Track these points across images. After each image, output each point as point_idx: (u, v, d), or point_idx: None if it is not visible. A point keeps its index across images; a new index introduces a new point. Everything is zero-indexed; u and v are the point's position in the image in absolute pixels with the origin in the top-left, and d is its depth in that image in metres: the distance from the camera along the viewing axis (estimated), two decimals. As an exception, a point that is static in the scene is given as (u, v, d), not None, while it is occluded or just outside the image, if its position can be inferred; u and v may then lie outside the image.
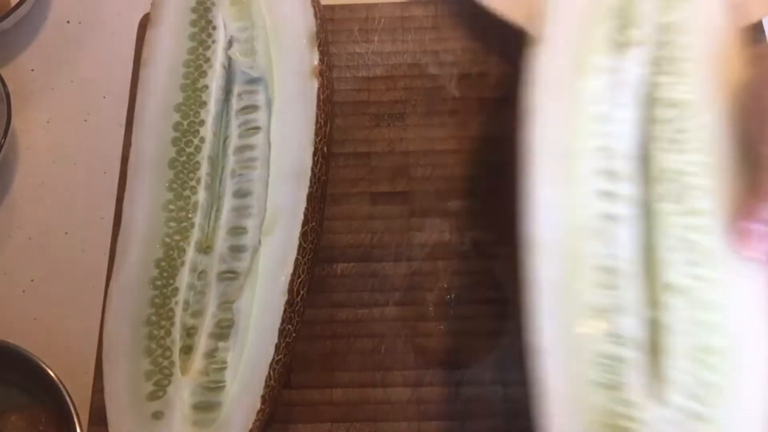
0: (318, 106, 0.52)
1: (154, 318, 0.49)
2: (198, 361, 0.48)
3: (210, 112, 0.53)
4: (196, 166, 0.52)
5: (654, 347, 0.42)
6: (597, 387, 0.42)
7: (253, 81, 0.55)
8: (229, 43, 0.55)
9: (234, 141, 0.54)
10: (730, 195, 0.43)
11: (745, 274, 0.42)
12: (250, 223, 0.51)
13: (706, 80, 0.45)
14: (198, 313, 0.50)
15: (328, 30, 0.62)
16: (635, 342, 0.43)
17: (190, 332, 0.50)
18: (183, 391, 0.47)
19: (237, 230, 0.52)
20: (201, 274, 0.51)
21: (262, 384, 0.47)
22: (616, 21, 0.47)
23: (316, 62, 0.53)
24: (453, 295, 0.56)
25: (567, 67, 0.46)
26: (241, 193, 0.52)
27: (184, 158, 0.53)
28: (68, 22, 0.71)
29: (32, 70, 0.69)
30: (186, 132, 0.53)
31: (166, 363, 0.48)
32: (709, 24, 0.47)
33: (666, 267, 0.43)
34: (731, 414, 0.40)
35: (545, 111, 0.45)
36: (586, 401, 0.41)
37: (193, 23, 0.55)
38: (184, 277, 0.50)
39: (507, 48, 0.62)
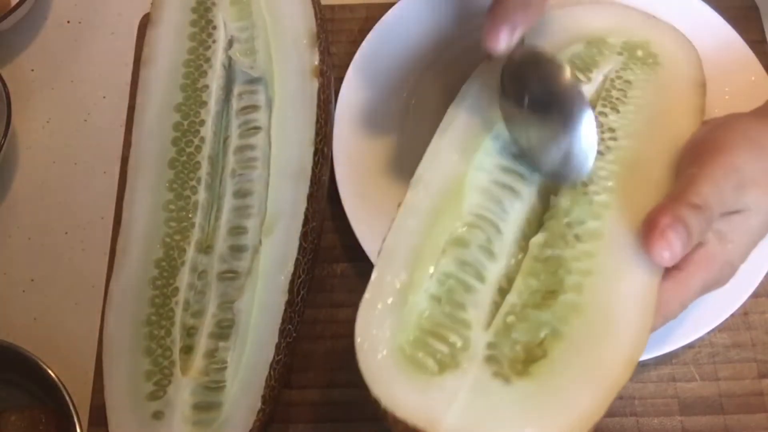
0: (318, 106, 0.52)
1: (154, 318, 0.49)
2: (198, 361, 0.48)
3: (210, 112, 0.54)
4: (197, 166, 0.52)
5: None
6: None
7: (253, 81, 0.55)
8: (230, 43, 0.55)
9: (234, 141, 0.54)
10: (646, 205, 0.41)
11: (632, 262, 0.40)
12: (251, 223, 0.51)
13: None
14: (198, 313, 0.50)
15: (328, 30, 0.62)
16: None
17: (190, 332, 0.50)
18: (183, 391, 0.47)
19: (237, 230, 0.52)
20: (201, 274, 0.51)
21: (263, 384, 0.47)
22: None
23: (316, 62, 0.53)
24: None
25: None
26: (241, 193, 0.52)
27: (185, 158, 0.53)
28: (68, 22, 0.71)
29: (32, 70, 0.69)
30: (186, 132, 0.53)
31: (166, 363, 0.48)
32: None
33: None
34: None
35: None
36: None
37: (194, 23, 0.55)
38: (184, 277, 0.50)
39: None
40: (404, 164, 0.59)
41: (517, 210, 0.45)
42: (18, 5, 0.66)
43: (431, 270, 0.42)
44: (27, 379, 0.54)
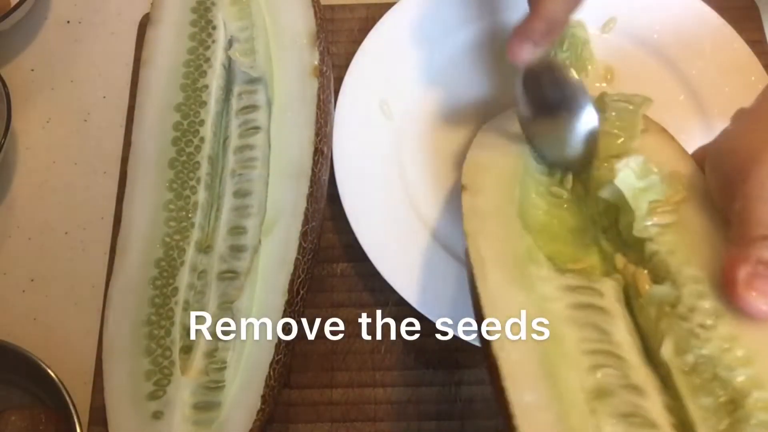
0: (318, 106, 0.52)
1: (154, 318, 0.49)
2: (198, 360, 0.48)
3: (210, 112, 0.54)
4: (196, 165, 0.52)
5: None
6: None
7: (253, 81, 0.55)
8: (229, 43, 0.55)
9: (234, 141, 0.54)
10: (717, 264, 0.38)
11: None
12: (250, 223, 0.51)
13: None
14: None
15: (328, 30, 0.62)
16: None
17: (190, 332, 0.49)
18: (183, 391, 0.47)
19: (237, 230, 0.52)
20: (201, 273, 0.51)
21: (262, 384, 0.47)
22: None
23: (316, 62, 0.53)
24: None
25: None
26: (241, 193, 0.52)
27: (184, 158, 0.53)
28: (68, 22, 0.71)
29: (32, 70, 0.69)
30: (186, 132, 0.53)
31: (166, 363, 0.48)
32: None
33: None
34: None
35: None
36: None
37: (193, 23, 0.55)
38: (184, 277, 0.50)
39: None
40: (404, 164, 0.59)
41: (617, 326, 0.39)
42: (18, 5, 0.66)
43: None
44: (27, 379, 0.54)
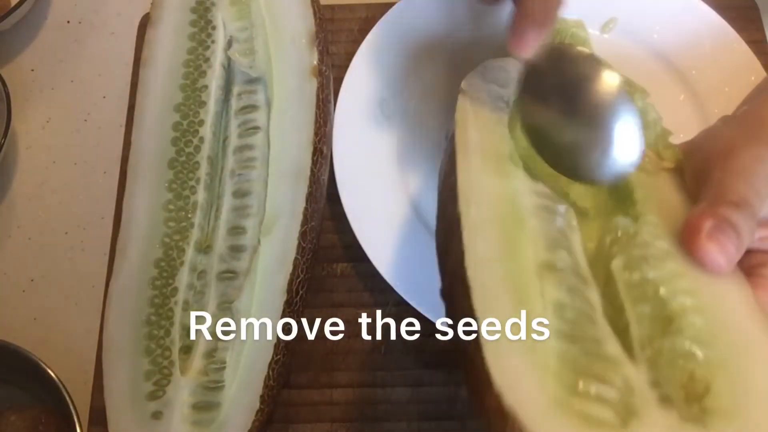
0: (317, 106, 0.52)
1: (153, 318, 0.49)
2: (197, 360, 0.48)
3: (209, 112, 0.54)
4: (196, 166, 0.52)
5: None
6: None
7: (252, 81, 0.55)
8: (229, 43, 0.55)
9: (233, 141, 0.54)
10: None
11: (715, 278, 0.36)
12: (250, 223, 0.51)
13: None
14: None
15: (328, 30, 0.62)
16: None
17: (189, 332, 0.49)
18: (182, 391, 0.47)
19: (236, 230, 0.52)
20: (200, 273, 0.51)
21: (262, 384, 0.47)
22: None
23: (315, 62, 0.53)
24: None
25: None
26: (240, 193, 0.52)
27: (184, 158, 0.53)
28: (68, 22, 0.71)
29: (32, 70, 0.69)
30: (186, 132, 0.53)
31: (165, 363, 0.48)
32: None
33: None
34: None
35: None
36: None
37: (193, 23, 0.55)
38: (184, 277, 0.50)
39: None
40: (404, 164, 0.59)
41: (574, 236, 0.40)
42: (18, 5, 0.66)
43: (540, 302, 0.35)
44: (27, 379, 0.54)
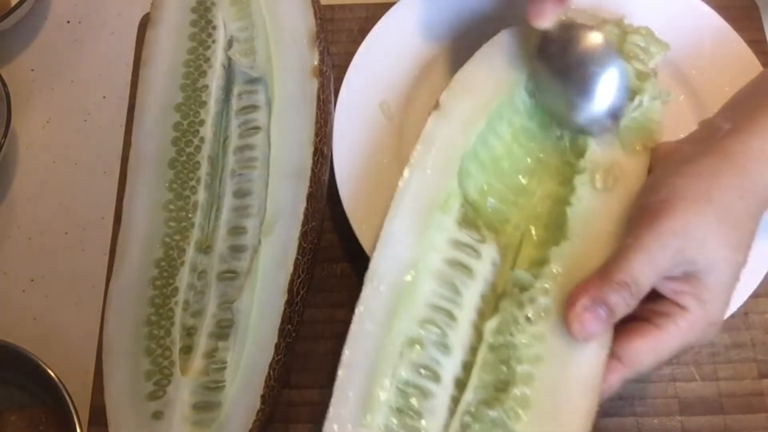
0: (318, 106, 0.52)
1: (154, 318, 0.49)
2: (198, 360, 0.48)
3: (210, 112, 0.54)
4: (196, 166, 0.52)
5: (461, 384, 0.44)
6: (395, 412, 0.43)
7: (253, 81, 0.55)
8: (229, 43, 0.55)
9: (234, 141, 0.54)
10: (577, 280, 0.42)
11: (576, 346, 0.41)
12: (250, 223, 0.51)
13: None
14: (198, 313, 0.50)
15: (328, 30, 0.62)
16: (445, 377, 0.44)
17: (190, 332, 0.50)
18: (183, 391, 0.47)
19: (237, 230, 0.52)
20: (201, 274, 0.51)
21: (262, 384, 0.47)
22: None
23: (316, 62, 0.53)
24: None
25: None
26: (241, 193, 0.52)
27: (184, 158, 0.53)
28: (68, 22, 0.71)
29: (32, 70, 0.69)
30: (186, 132, 0.53)
31: (166, 363, 0.48)
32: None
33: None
34: None
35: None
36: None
37: (193, 23, 0.55)
38: (184, 277, 0.50)
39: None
40: (404, 164, 0.59)
41: (472, 290, 0.46)
42: (18, 5, 0.66)
43: (388, 381, 0.43)
44: (27, 379, 0.54)
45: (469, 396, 0.43)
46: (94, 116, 0.67)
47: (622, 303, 0.39)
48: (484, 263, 0.47)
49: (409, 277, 0.45)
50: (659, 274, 0.40)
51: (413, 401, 0.43)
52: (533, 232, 0.48)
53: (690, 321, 0.40)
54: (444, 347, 0.44)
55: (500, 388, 0.42)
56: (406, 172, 0.48)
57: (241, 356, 0.48)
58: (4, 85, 0.62)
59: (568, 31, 0.48)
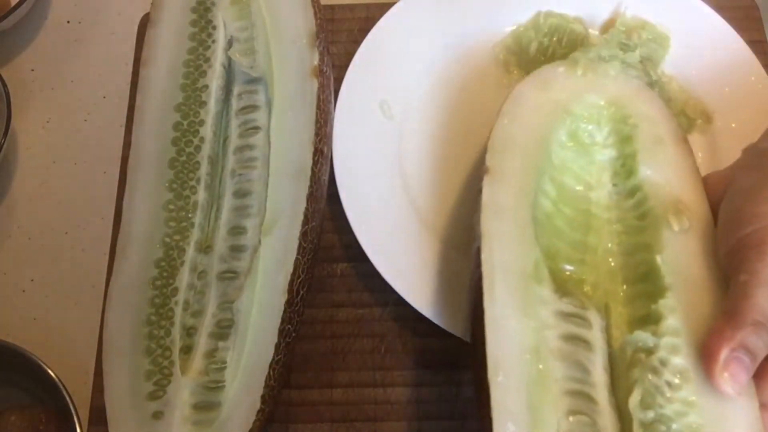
0: (318, 106, 0.52)
1: (154, 318, 0.49)
2: (198, 360, 0.48)
3: (210, 112, 0.54)
4: (196, 165, 0.52)
5: None
6: None
7: (253, 81, 0.55)
8: (229, 43, 0.55)
9: (234, 141, 0.54)
10: (705, 326, 0.40)
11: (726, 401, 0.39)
12: (250, 223, 0.51)
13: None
14: (198, 313, 0.50)
15: (328, 30, 0.62)
16: None
17: (190, 332, 0.50)
18: (183, 391, 0.47)
19: (237, 230, 0.52)
20: (201, 273, 0.51)
21: (262, 384, 0.47)
22: None
23: (316, 62, 0.53)
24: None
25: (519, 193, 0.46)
26: (241, 193, 0.52)
27: (184, 158, 0.53)
28: (68, 22, 0.71)
29: (32, 70, 0.69)
30: (186, 132, 0.53)
31: (166, 363, 0.48)
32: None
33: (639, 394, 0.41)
34: None
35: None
36: None
37: (193, 23, 0.55)
38: (184, 277, 0.50)
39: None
40: (404, 164, 0.59)
41: (598, 365, 0.43)
42: (18, 5, 0.66)
43: None
44: (27, 379, 0.54)
45: None
46: (94, 116, 0.67)
47: (761, 344, 0.38)
48: (595, 331, 0.44)
49: (538, 365, 0.41)
50: None
51: None
52: (618, 288, 0.46)
53: None
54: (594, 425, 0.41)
55: None
56: (483, 247, 0.44)
57: (241, 356, 0.48)
58: (4, 85, 0.62)
59: None
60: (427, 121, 0.61)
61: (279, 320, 0.48)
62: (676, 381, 0.40)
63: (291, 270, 0.49)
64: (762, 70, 0.59)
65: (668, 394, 0.40)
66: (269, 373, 0.47)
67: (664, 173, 0.47)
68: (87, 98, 0.67)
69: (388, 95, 0.60)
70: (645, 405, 0.40)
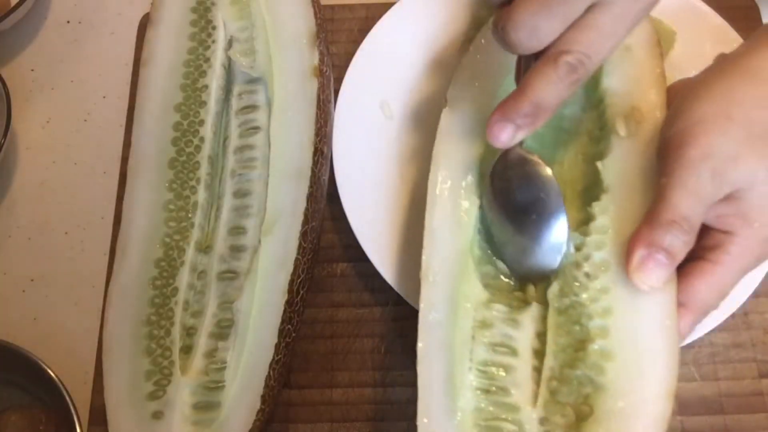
0: (318, 106, 0.52)
1: (154, 318, 0.49)
2: (198, 360, 0.48)
3: (210, 112, 0.54)
4: (196, 165, 0.52)
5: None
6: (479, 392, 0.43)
7: (253, 81, 0.55)
8: (229, 43, 0.55)
9: (234, 141, 0.54)
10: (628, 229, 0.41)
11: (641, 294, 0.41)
12: (250, 223, 0.51)
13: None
14: (198, 313, 0.50)
15: (328, 30, 0.62)
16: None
17: (190, 332, 0.50)
18: (183, 391, 0.47)
19: (237, 230, 0.52)
20: (201, 273, 0.51)
21: (262, 384, 0.47)
22: None
23: (316, 62, 0.53)
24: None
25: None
26: (241, 193, 0.52)
27: (184, 158, 0.53)
28: (68, 22, 0.71)
29: (32, 70, 0.69)
30: (186, 132, 0.53)
31: (166, 363, 0.48)
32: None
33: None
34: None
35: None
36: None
37: (193, 23, 0.55)
38: (184, 277, 0.50)
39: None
40: (404, 164, 0.59)
41: None
42: (18, 5, 0.66)
43: (468, 364, 0.43)
44: (27, 379, 0.54)
45: (550, 362, 0.42)
46: (94, 116, 0.67)
47: (678, 242, 0.38)
48: None
49: (463, 267, 0.45)
50: (704, 203, 0.39)
51: (497, 379, 0.43)
52: (573, 195, 0.47)
53: (741, 245, 0.39)
54: (513, 322, 0.44)
55: (578, 347, 0.42)
56: (432, 168, 0.47)
57: (241, 356, 0.48)
58: (4, 85, 0.62)
59: (519, 166, 0.46)
60: (427, 121, 0.61)
61: (279, 320, 0.48)
62: (592, 273, 0.42)
63: (291, 270, 0.49)
64: (762, 70, 0.59)
65: (585, 285, 0.43)
66: (269, 373, 0.47)
67: (626, 82, 0.47)
68: (87, 98, 0.67)
69: (388, 95, 0.60)
70: (562, 294, 0.43)
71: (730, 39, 0.60)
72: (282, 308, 0.48)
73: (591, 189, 0.46)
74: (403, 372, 0.55)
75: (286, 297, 0.48)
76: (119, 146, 0.63)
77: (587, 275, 0.43)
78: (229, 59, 0.55)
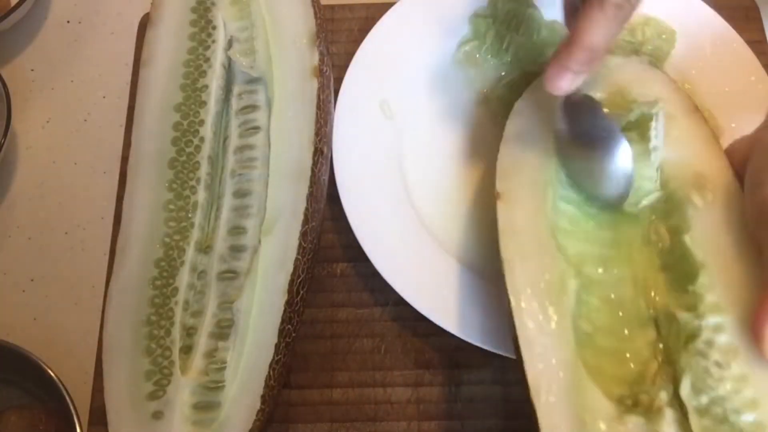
0: (318, 106, 0.52)
1: (154, 318, 0.49)
2: (198, 360, 0.48)
3: (210, 112, 0.54)
4: (196, 165, 0.52)
5: None
6: None
7: (253, 81, 0.55)
8: (229, 43, 0.55)
9: (234, 141, 0.54)
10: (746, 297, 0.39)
11: None
12: (250, 223, 0.51)
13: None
14: (198, 313, 0.50)
15: (328, 30, 0.62)
16: None
17: (189, 332, 0.50)
18: (183, 391, 0.47)
19: (237, 230, 0.52)
20: (201, 273, 0.51)
21: (262, 384, 0.47)
22: None
23: (316, 62, 0.53)
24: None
25: None
26: (241, 193, 0.52)
27: (184, 158, 0.53)
28: (68, 22, 0.71)
29: (32, 70, 0.69)
30: (186, 132, 0.53)
31: (165, 363, 0.48)
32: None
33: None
34: None
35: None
36: None
37: (193, 23, 0.55)
38: (184, 277, 0.50)
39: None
40: (404, 164, 0.59)
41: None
42: (18, 5, 0.66)
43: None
44: (27, 379, 0.54)
45: None
46: (94, 116, 0.67)
47: None
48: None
49: (574, 374, 0.42)
50: None
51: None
52: (659, 277, 0.45)
53: None
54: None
55: None
56: (506, 271, 0.44)
57: (241, 356, 0.48)
58: (4, 85, 0.62)
59: (582, 104, 0.47)
60: (427, 121, 0.61)
61: (279, 320, 0.48)
62: (725, 359, 0.39)
63: (291, 270, 0.49)
64: (762, 70, 0.59)
65: (717, 375, 0.39)
66: (269, 373, 0.47)
67: (680, 149, 0.46)
68: (87, 98, 0.67)
69: (388, 95, 0.60)
70: (696, 390, 0.40)
71: (730, 39, 0.60)
72: (282, 308, 0.48)
73: (680, 266, 0.44)
74: (403, 372, 0.55)
75: (286, 297, 0.48)
76: (119, 146, 0.63)
77: (718, 364, 0.39)
78: (229, 59, 0.55)
